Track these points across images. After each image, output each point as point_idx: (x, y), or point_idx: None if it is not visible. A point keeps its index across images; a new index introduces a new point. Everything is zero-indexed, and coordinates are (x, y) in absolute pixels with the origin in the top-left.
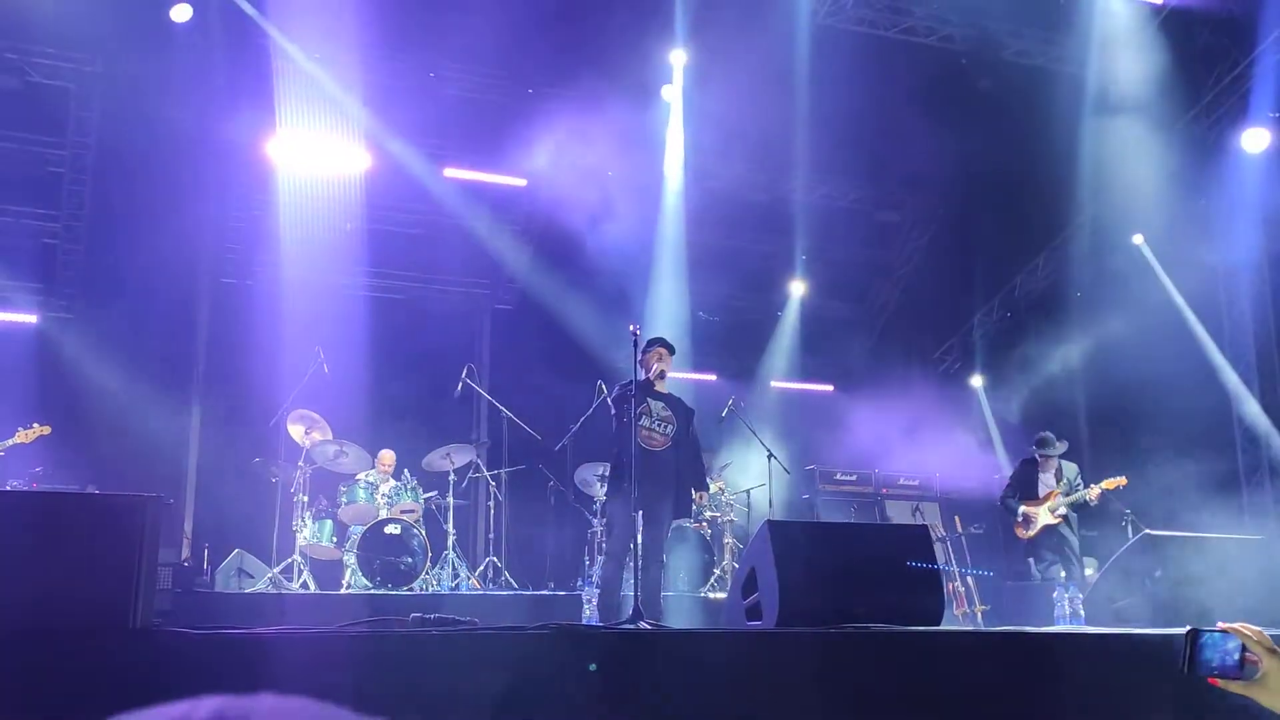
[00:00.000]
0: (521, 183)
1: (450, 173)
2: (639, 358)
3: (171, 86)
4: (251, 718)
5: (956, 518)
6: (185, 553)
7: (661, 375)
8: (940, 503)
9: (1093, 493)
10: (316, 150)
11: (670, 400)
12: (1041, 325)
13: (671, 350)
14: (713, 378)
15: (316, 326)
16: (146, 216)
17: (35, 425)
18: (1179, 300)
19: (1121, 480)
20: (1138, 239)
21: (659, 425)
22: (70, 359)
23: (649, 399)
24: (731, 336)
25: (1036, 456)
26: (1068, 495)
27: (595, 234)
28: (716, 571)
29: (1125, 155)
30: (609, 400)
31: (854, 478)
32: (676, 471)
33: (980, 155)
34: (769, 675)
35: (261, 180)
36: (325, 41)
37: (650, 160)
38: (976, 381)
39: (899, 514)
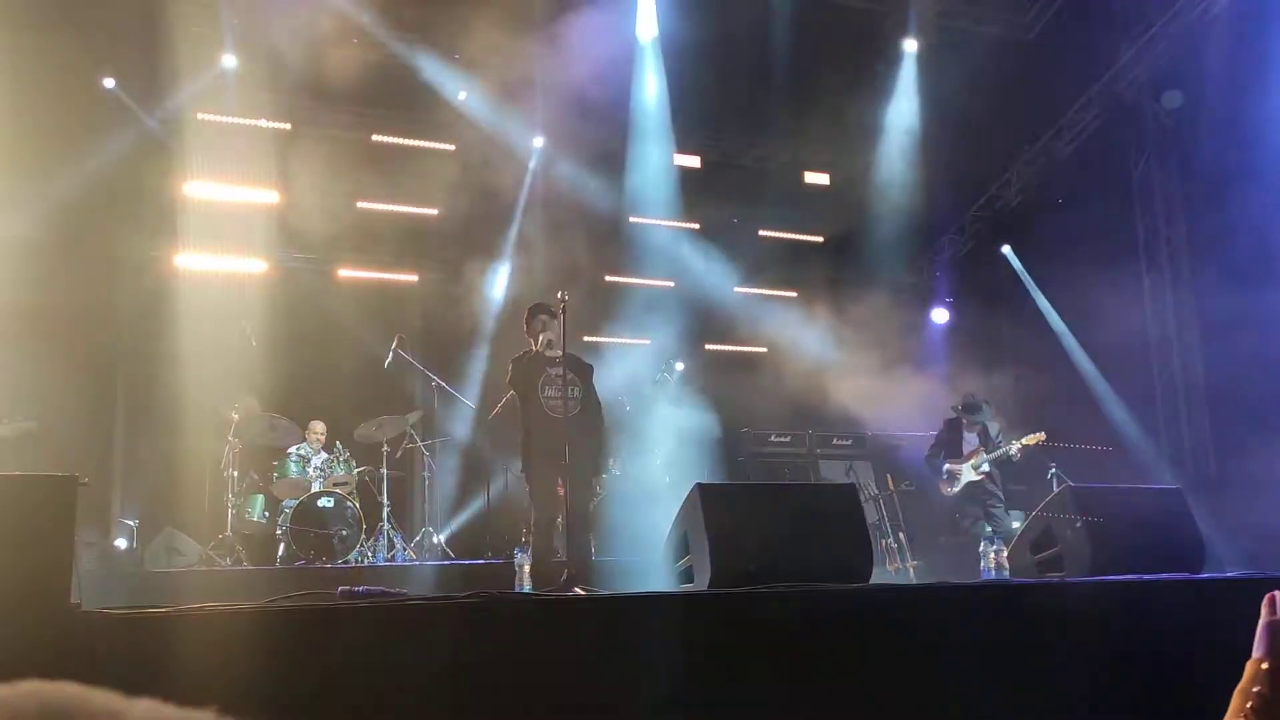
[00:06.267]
0: (451, 147)
1: (377, 138)
2: (525, 329)
3: None
4: None
5: (889, 476)
6: (113, 532)
7: (550, 344)
8: (873, 462)
9: (1014, 448)
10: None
11: (569, 362)
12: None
13: (554, 315)
14: (647, 341)
15: (242, 299)
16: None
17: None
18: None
19: (1040, 436)
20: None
21: (567, 391)
22: None
23: (548, 368)
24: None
25: (962, 418)
26: (991, 452)
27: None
28: None
29: None
30: (507, 382)
31: (788, 439)
32: (589, 432)
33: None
34: (702, 637)
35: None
36: None
37: None
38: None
39: (833, 474)
